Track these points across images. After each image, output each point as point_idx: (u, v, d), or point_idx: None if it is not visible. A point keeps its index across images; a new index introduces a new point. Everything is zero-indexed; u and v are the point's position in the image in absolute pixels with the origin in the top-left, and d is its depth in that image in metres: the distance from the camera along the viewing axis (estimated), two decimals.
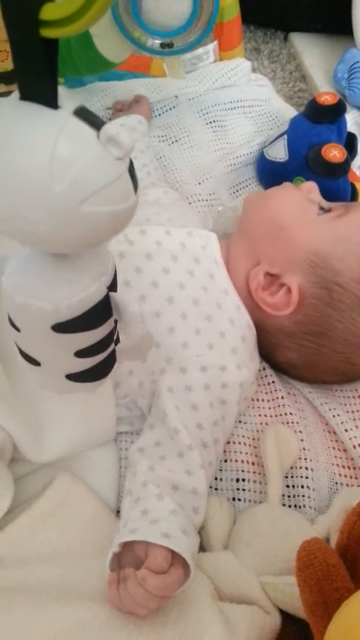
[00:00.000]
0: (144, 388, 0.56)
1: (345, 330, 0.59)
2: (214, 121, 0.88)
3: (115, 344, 0.41)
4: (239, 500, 0.57)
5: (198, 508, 0.50)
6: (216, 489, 0.57)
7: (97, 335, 0.37)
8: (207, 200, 0.78)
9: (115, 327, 0.39)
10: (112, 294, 0.37)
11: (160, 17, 0.65)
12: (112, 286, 0.37)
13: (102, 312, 0.37)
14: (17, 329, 0.37)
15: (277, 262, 0.60)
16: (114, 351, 0.41)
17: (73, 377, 0.40)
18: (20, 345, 0.39)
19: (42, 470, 0.53)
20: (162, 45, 0.68)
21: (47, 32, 0.26)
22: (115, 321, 0.39)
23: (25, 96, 0.29)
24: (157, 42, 0.68)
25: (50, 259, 0.34)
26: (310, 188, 0.66)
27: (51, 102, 0.29)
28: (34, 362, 0.39)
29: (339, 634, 0.29)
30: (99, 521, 0.51)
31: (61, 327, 0.35)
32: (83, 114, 0.29)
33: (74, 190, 0.29)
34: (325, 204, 0.65)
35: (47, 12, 0.26)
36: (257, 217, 0.64)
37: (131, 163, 0.31)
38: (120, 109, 0.85)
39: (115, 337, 0.40)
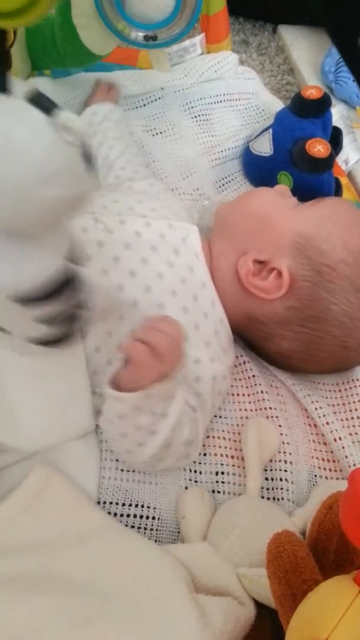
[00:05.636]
0: None
1: (341, 313, 0.59)
2: (199, 115, 0.87)
3: (84, 310, 0.42)
4: (219, 492, 0.57)
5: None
6: (196, 481, 0.58)
7: (61, 305, 0.38)
8: (191, 194, 0.78)
9: (81, 296, 0.40)
10: (72, 266, 0.37)
11: (144, 9, 0.65)
12: (74, 258, 0.38)
13: (63, 284, 0.37)
14: None
15: (264, 249, 0.61)
16: (82, 316, 0.42)
17: (43, 342, 0.41)
18: None
19: (21, 463, 0.53)
20: (146, 37, 0.68)
21: None
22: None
23: None
24: (141, 34, 0.68)
25: (8, 236, 0.35)
26: (282, 189, 0.68)
27: (2, 88, 0.29)
28: (2, 330, 0.41)
29: (298, 624, 0.29)
30: (79, 511, 0.51)
31: (23, 300, 0.36)
32: (36, 99, 0.30)
33: (29, 176, 0.29)
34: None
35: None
36: (238, 216, 0.65)
37: (86, 148, 0.31)
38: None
39: (82, 304, 0.41)
